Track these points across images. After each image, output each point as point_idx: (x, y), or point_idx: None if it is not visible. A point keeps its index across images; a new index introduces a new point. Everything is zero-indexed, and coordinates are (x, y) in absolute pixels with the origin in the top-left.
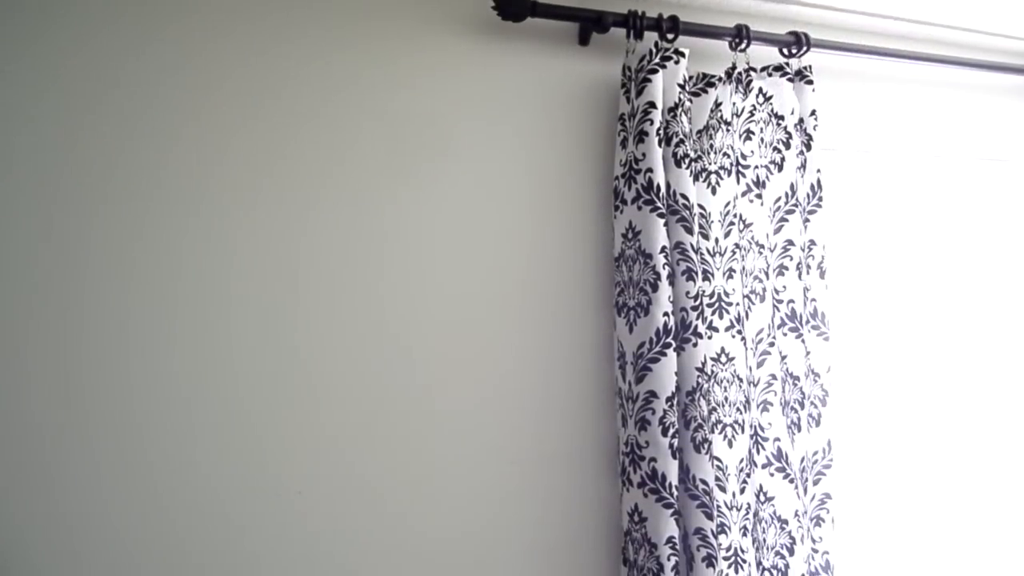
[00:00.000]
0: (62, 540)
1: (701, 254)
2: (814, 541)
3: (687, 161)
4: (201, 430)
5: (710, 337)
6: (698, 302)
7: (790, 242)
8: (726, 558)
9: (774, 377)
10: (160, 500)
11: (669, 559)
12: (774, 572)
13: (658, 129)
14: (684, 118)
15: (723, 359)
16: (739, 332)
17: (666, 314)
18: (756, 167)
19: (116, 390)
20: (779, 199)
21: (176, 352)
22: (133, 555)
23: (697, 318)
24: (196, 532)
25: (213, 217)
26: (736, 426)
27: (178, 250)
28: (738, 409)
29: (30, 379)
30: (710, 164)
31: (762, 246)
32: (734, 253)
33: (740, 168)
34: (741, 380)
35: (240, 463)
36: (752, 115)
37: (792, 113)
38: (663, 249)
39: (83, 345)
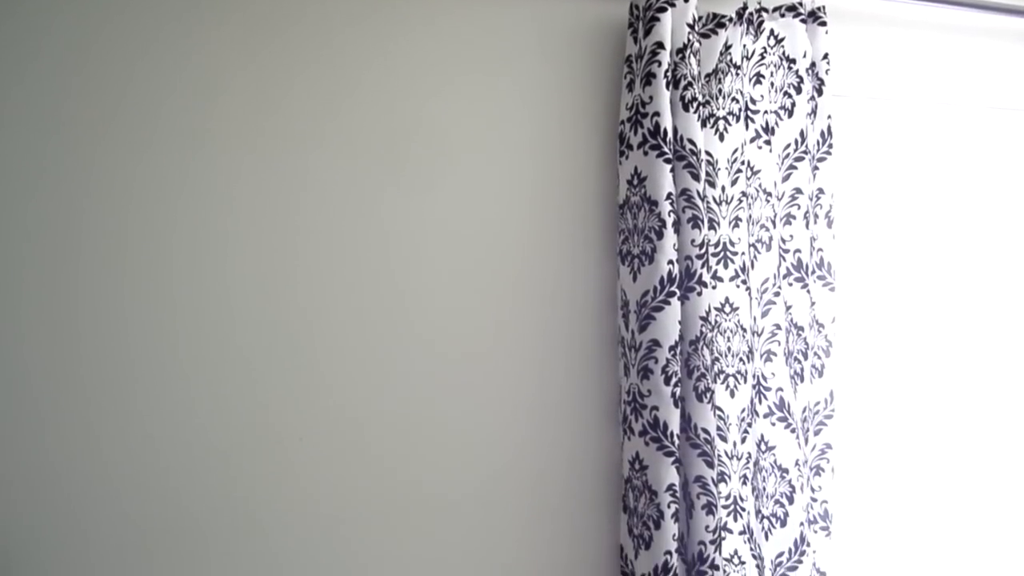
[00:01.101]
0: (57, 498)
1: (707, 201)
2: (813, 490)
3: (695, 105)
4: (201, 379)
5: (714, 287)
6: (703, 251)
7: (798, 190)
8: (725, 506)
9: (778, 327)
10: (159, 450)
11: (669, 506)
12: (773, 520)
13: (666, 71)
14: (693, 60)
15: (727, 309)
16: (744, 282)
17: (671, 262)
18: (765, 112)
19: (112, 340)
20: (788, 146)
21: (175, 303)
22: (130, 501)
23: (702, 267)
24: (196, 482)
25: (211, 163)
26: (739, 376)
27: (175, 199)
28: (741, 359)
29: (24, 332)
30: (718, 109)
31: (769, 194)
32: (741, 201)
33: (749, 113)
34: (745, 330)
35: (241, 411)
36: (763, 58)
37: (804, 56)
38: (669, 196)
39: (78, 300)
